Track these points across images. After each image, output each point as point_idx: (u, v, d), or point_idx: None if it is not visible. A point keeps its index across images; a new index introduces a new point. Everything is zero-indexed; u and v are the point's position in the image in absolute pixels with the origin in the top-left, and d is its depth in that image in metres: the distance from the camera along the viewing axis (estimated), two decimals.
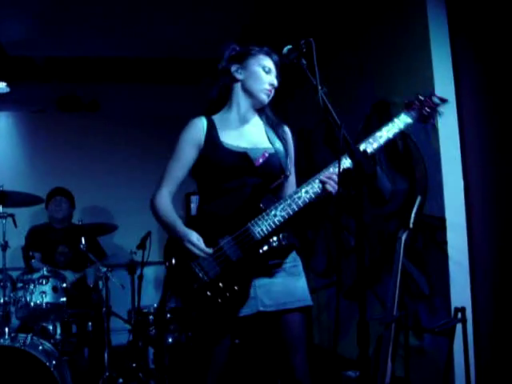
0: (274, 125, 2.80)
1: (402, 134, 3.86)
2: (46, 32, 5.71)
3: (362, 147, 2.41)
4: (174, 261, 2.67)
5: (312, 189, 2.48)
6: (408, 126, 2.54)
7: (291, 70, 2.61)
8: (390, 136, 2.48)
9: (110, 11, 5.28)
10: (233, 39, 5.24)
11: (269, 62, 2.72)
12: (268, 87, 2.70)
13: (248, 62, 2.73)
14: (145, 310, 4.75)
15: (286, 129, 2.82)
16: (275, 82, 2.72)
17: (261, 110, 2.81)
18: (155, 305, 4.77)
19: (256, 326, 2.77)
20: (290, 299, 2.60)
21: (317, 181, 2.48)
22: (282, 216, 2.50)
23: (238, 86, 2.75)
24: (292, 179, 2.78)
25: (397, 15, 4.13)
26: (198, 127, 2.72)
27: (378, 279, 4.32)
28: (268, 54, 2.74)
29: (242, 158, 2.64)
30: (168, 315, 4.60)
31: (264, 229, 2.51)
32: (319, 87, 2.17)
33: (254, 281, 2.58)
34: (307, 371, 2.61)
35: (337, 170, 2.20)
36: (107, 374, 4.35)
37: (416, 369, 3.70)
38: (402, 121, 2.53)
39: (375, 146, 2.46)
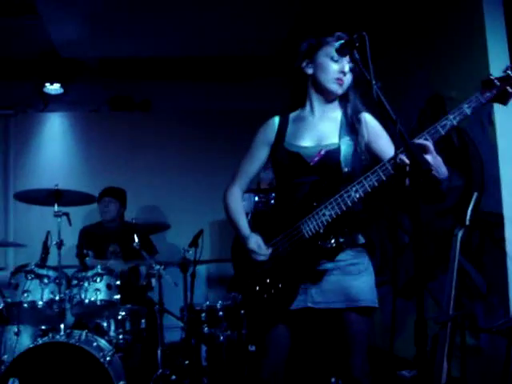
0: (351, 115, 2.68)
1: (457, 129, 3.79)
2: (98, 33, 5.81)
3: (423, 138, 2.32)
4: (236, 255, 2.78)
5: (362, 187, 2.44)
6: (476, 110, 2.31)
7: None
8: (455, 123, 2.30)
9: (161, 11, 5.32)
10: (282, 36, 5.27)
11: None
12: (337, 76, 2.62)
13: (316, 55, 2.67)
14: (197, 308, 4.76)
15: (363, 117, 2.67)
16: (346, 68, 2.61)
17: (343, 99, 2.72)
18: (207, 302, 4.79)
19: (309, 322, 2.76)
20: (341, 298, 2.57)
21: (368, 178, 2.42)
22: (329, 215, 2.49)
23: (309, 81, 2.72)
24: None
25: (453, 7, 4.05)
26: (271, 127, 2.78)
27: (433, 277, 4.24)
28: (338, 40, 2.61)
29: (295, 158, 2.64)
30: (220, 313, 4.61)
31: (312, 228, 2.52)
32: (373, 82, 2.13)
33: (308, 278, 2.58)
34: (366, 370, 2.59)
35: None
36: (160, 370, 4.37)
37: (472, 369, 3.62)
38: (470, 106, 2.29)
39: (437, 136, 2.33)
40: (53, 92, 6.67)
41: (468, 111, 2.28)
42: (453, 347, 3.21)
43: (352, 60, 2.38)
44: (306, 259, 2.56)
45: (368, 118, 2.68)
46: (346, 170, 2.58)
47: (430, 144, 2.29)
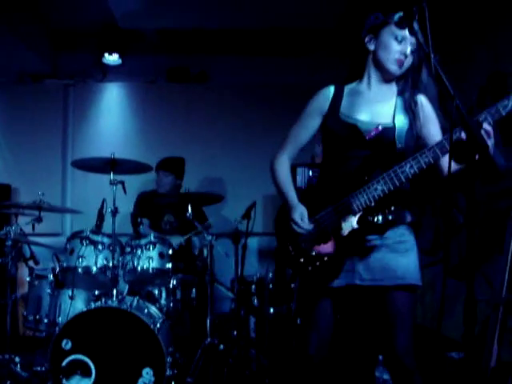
0: (406, 96, 2.68)
1: None
2: (156, 4, 5.82)
3: (482, 117, 2.28)
4: (281, 226, 2.77)
5: (417, 163, 2.43)
6: None
7: None
8: None
9: None
10: (341, 9, 5.19)
11: (404, 31, 2.57)
12: (397, 57, 2.59)
13: (381, 32, 2.64)
14: (248, 280, 4.79)
15: (420, 99, 2.68)
16: (408, 51, 2.58)
17: (399, 79, 2.71)
18: (258, 275, 4.81)
19: (356, 299, 2.76)
20: (388, 275, 2.57)
21: (423, 155, 2.42)
22: (381, 190, 2.48)
23: (370, 56, 2.70)
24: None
25: None
26: (325, 96, 2.75)
27: (487, 259, 4.16)
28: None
29: (352, 130, 2.62)
30: (270, 286, 4.63)
31: (362, 202, 2.52)
32: (432, 55, 2.08)
33: (354, 254, 2.58)
34: (410, 349, 2.58)
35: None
36: (209, 339, 4.42)
37: None
38: None
39: (497, 116, 2.29)
40: (111, 63, 6.76)
41: None
42: (504, 331, 3.15)
43: (411, 34, 2.36)
44: (354, 235, 2.55)
45: (424, 101, 2.69)
46: (399, 146, 2.58)
47: (490, 129, 2.27)
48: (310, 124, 2.77)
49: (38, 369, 4.04)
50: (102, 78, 6.99)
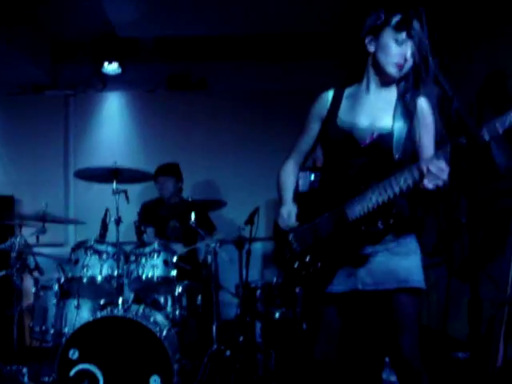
0: (407, 99, 2.58)
1: None
2: (154, 13, 5.86)
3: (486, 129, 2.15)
4: (277, 229, 2.77)
5: (412, 177, 2.31)
6: None
7: None
8: None
9: None
10: (341, 12, 5.18)
11: (405, 33, 2.48)
12: (397, 60, 2.50)
13: (381, 34, 2.53)
14: (252, 285, 4.80)
15: (420, 103, 2.56)
16: (408, 54, 2.48)
17: (400, 81, 2.61)
18: (262, 280, 4.82)
19: (361, 303, 2.75)
20: (390, 279, 2.54)
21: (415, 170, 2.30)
22: (375, 201, 2.41)
23: (370, 58, 2.61)
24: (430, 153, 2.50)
25: None
26: (323, 101, 2.72)
27: (491, 258, 4.16)
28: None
29: (347, 137, 2.59)
30: (275, 291, 4.64)
31: (356, 211, 2.47)
32: (430, 58, 2.09)
33: (355, 258, 2.56)
34: (416, 351, 2.55)
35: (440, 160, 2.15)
36: (215, 346, 4.43)
37: None
38: None
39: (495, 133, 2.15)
40: (111, 72, 6.76)
41: None
42: (510, 330, 3.15)
43: (409, 37, 2.37)
44: (349, 243, 2.53)
45: (424, 106, 2.56)
46: (396, 156, 2.50)
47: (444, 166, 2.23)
48: (310, 131, 2.76)
49: (46, 379, 4.06)
50: (102, 88, 7.02)
